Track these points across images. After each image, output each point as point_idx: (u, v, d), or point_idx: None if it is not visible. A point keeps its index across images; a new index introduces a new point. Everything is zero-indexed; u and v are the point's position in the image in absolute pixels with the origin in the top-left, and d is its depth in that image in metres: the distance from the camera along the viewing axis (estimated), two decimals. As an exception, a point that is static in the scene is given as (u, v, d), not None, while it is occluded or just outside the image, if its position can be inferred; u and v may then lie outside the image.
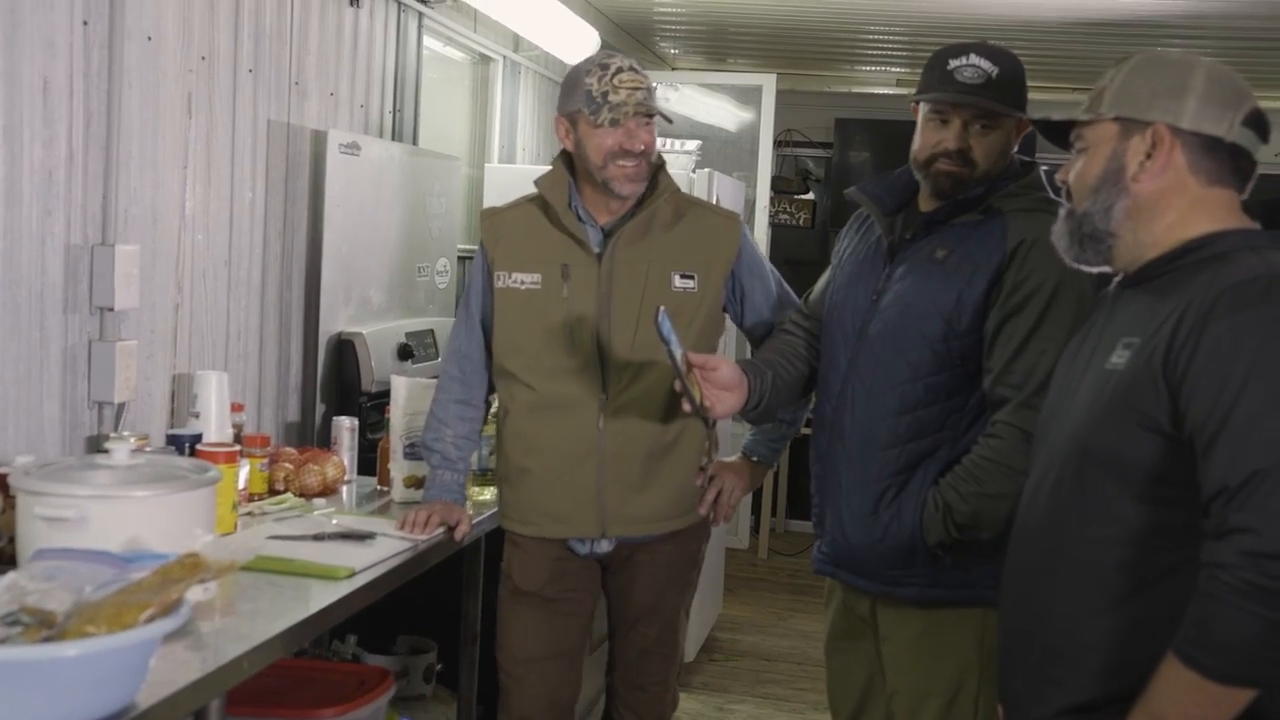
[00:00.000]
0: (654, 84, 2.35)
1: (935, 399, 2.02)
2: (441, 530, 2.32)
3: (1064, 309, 1.92)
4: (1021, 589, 1.61)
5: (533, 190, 2.39)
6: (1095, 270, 1.62)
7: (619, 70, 2.28)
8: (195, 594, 1.59)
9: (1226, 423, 1.35)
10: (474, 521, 2.44)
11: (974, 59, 2.02)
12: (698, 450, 2.38)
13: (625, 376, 2.28)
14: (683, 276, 2.33)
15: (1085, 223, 1.58)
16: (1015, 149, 2.11)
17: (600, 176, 2.28)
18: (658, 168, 2.35)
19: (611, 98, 2.25)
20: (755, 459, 2.50)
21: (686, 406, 2.07)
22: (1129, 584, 1.46)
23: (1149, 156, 1.52)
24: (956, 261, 2.01)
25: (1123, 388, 1.47)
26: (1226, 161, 1.52)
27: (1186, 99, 1.52)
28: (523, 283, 2.33)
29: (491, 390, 2.44)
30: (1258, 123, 1.53)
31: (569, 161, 2.36)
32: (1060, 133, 1.63)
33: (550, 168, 2.39)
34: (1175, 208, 1.53)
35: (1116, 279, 1.60)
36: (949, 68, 2.03)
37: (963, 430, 2.01)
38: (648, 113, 2.27)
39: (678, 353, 2.00)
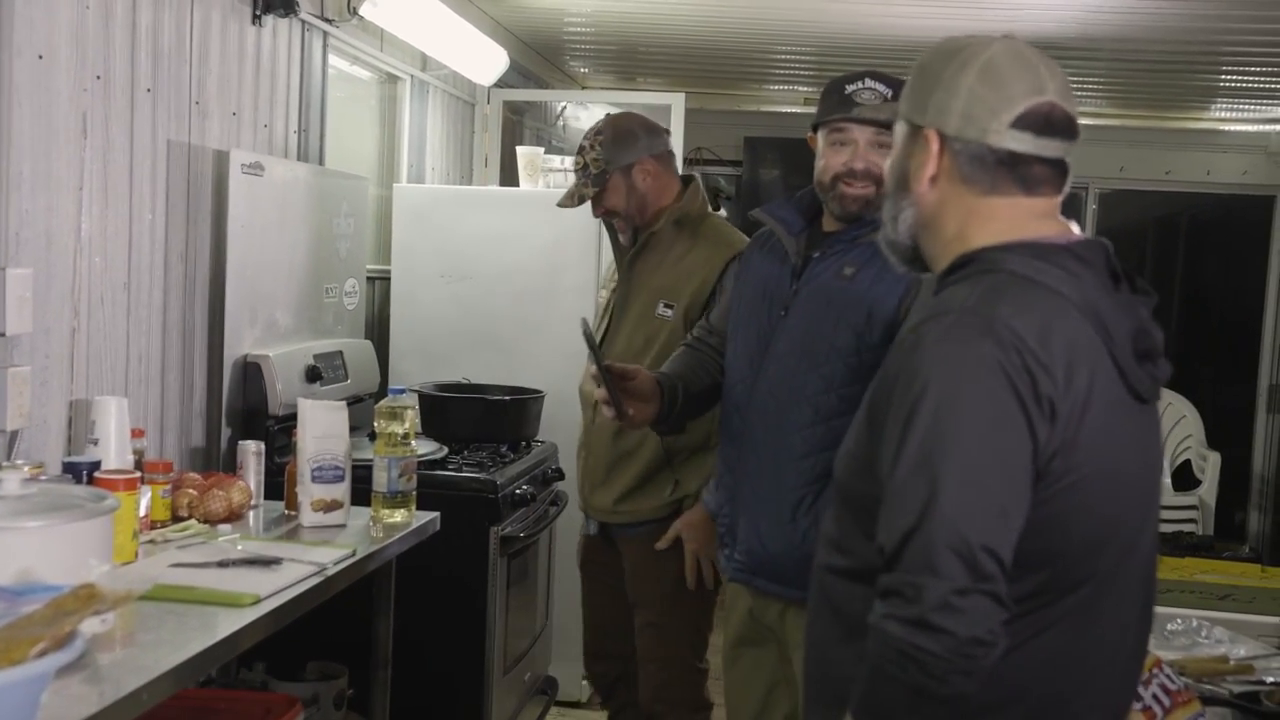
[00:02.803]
0: (586, 155, 2.81)
1: (849, 409, 2.04)
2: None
3: None
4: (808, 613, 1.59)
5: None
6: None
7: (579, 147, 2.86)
8: (92, 626, 1.55)
9: (892, 477, 1.29)
10: (383, 545, 2.42)
11: (870, 83, 2.10)
12: (652, 458, 2.72)
13: None
14: (665, 305, 2.75)
15: (885, 230, 1.49)
16: None
17: None
18: (660, 208, 2.80)
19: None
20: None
21: (609, 413, 2.15)
22: (859, 618, 1.37)
23: (923, 165, 1.41)
24: (866, 278, 2.07)
25: (858, 417, 1.44)
26: (1000, 169, 1.37)
27: (954, 101, 1.38)
28: (603, 298, 3.00)
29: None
30: (1039, 122, 1.36)
31: None
32: None
33: None
34: (954, 219, 1.41)
35: None
36: (847, 92, 2.11)
37: None
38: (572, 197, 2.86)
39: (602, 361, 2.11)
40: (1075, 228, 1.43)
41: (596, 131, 2.83)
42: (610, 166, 2.77)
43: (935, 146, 1.40)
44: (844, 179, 2.11)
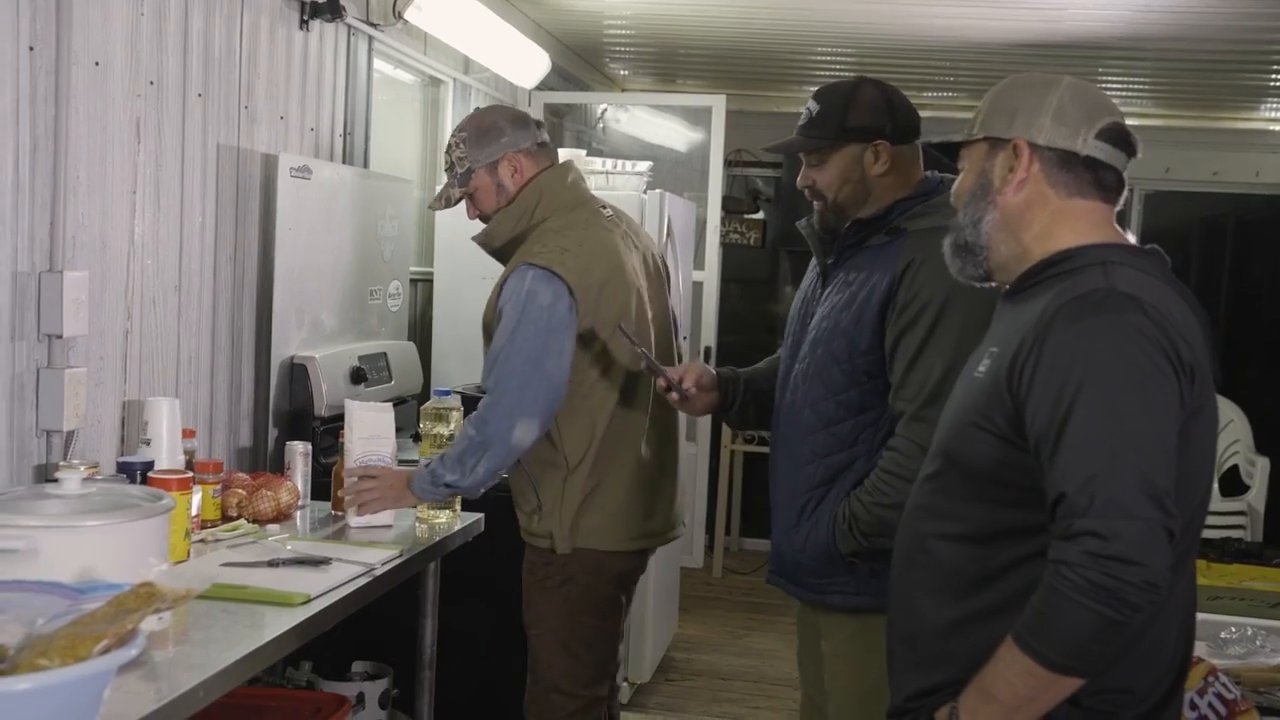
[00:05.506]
0: (452, 154, 2.54)
1: (847, 415, 2.11)
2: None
3: (952, 322, 1.99)
4: (894, 581, 1.70)
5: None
6: (979, 284, 1.68)
7: None
8: (149, 624, 1.57)
9: (1064, 431, 1.42)
10: (429, 545, 2.44)
11: (810, 103, 2.18)
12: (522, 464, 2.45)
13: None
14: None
15: (959, 234, 1.67)
16: (879, 170, 2.12)
17: None
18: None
19: None
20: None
21: (674, 396, 2.31)
22: (973, 578, 1.56)
23: (1011, 170, 1.61)
24: (860, 282, 2.11)
25: (979, 395, 1.57)
26: (1084, 174, 1.59)
27: (1043, 116, 1.60)
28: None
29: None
30: (1116, 136, 1.60)
31: None
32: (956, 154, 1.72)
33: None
34: (1039, 220, 1.60)
35: (1002, 292, 1.67)
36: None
37: (876, 445, 2.09)
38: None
39: (646, 352, 2.34)
40: (1130, 235, 1.62)
41: (460, 129, 2.54)
42: (475, 165, 2.51)
43: (1026, 154, 1.59)
44: (808, 194, 2.22)
